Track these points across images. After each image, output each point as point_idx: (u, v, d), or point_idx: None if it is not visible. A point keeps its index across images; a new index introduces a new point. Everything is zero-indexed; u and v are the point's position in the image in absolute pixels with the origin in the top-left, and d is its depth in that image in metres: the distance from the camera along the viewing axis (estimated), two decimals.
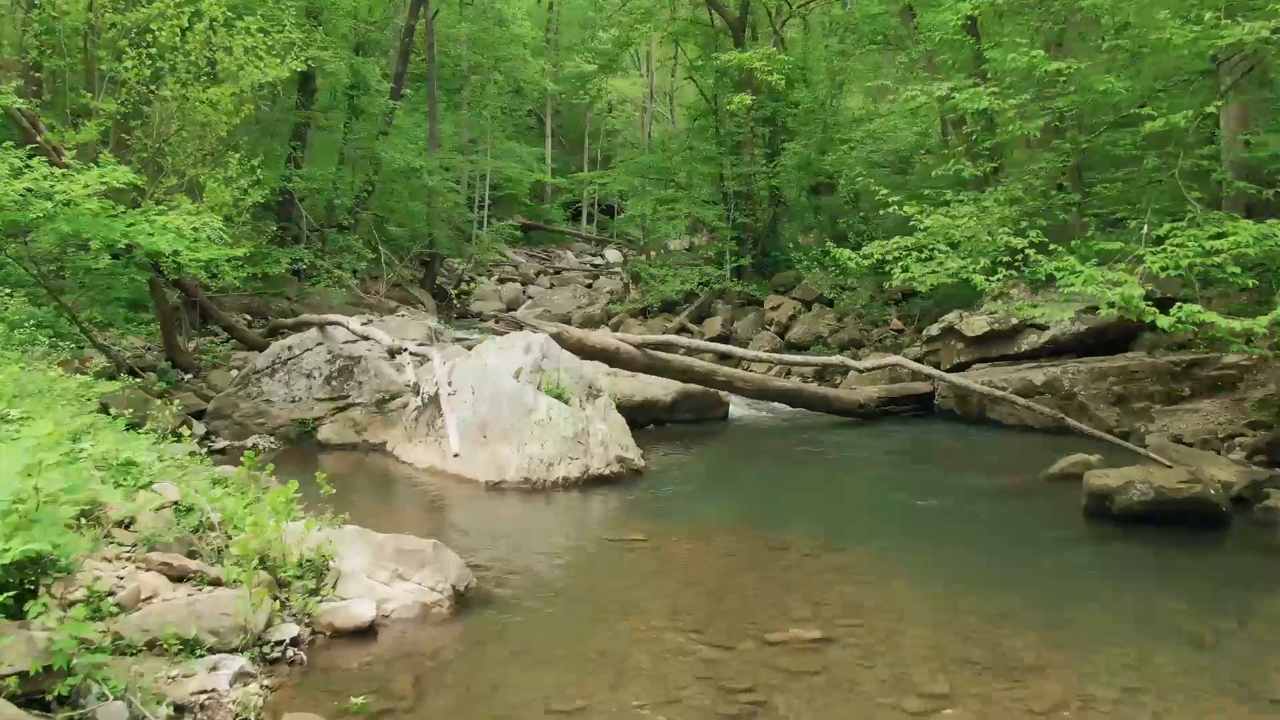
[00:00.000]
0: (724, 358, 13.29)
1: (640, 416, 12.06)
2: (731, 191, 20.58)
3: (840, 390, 13.43)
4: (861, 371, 13.26)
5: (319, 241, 21.66)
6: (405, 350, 10.45)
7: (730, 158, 21.17)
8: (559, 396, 9.87)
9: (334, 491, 6.40)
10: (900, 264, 9.36)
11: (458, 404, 10.02)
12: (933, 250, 8.99)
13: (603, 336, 12.05)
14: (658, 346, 12.26)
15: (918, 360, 14.70)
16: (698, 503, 9.09)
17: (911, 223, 9.57)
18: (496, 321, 11.68)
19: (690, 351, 12.73)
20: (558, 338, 11.17)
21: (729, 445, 12.36)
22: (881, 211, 19.29)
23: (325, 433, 11.18)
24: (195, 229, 9.87)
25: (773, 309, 20.27)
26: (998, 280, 8.58)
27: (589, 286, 34.21)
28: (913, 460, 11.29)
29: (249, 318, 17.31)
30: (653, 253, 27.75)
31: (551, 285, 35.23)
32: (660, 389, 12.81)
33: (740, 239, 21.01)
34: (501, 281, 34.51)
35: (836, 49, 18.65)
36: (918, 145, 21.48)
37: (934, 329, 14.39)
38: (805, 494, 9.74)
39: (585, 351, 11.58)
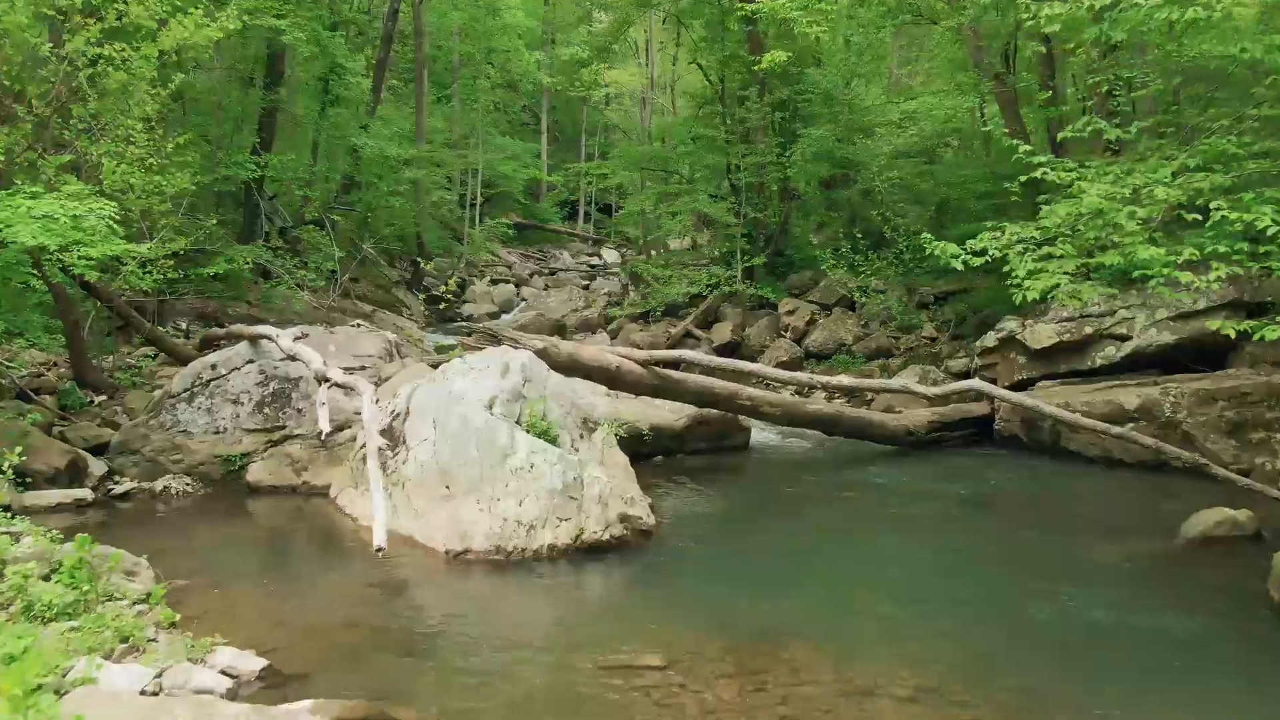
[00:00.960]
0: (743, 376, 10.77)
1: (646, 447, 9.66)
2: (742, 184, 18.13)
3: (884, 414, 10.97)
4: (930, 400, 10.70)
5: (285, 239, 19.26)
6: (330, 381, 8.00)
7: (739, 146, 18.73)
8: (545, 434, 7.45)
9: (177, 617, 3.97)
10: (1035, 257, 6.66)
11: (415, 440, 7.61)
12: (1071, 237, 6.44)
13: (600, 353, 9.60)
14: (668, 364, 9.83)
15: (974, 373, 12.31)
16: (729, 587, 6.57)
17: (1042, 207, 6.91)
18: (469, 335, 8.97)
19: (709, 370, 10.26)
20: (544, 354, 8.73)
21: (757, 487, 9.93)
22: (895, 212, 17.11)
23: (257, 472, 8.74)
24: (75, 217, 7.42)
25: (788, 313, 17.85)
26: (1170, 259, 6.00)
27: (585, 288, 31.79)
28: (994, 513, 8.83)
29: (184, 328, 14.81)
30: (653, 252, 25.32)
31: (546, 287, 32.79)
32: (670, 412, 10.40)
33: (751, 236, 18.56)
34: (494, 283, 32.06)
35: (861, 23, 16.21)
36: (944, 133, 19.08)
37: (990, 339, 11.95)
38: (872, 572, 7.12)
39: (579, 370, 9.18)
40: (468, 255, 32.72)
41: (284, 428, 8.88)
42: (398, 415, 7.94)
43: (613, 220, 39.02)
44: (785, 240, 19.79)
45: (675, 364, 9.82)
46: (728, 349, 17.62)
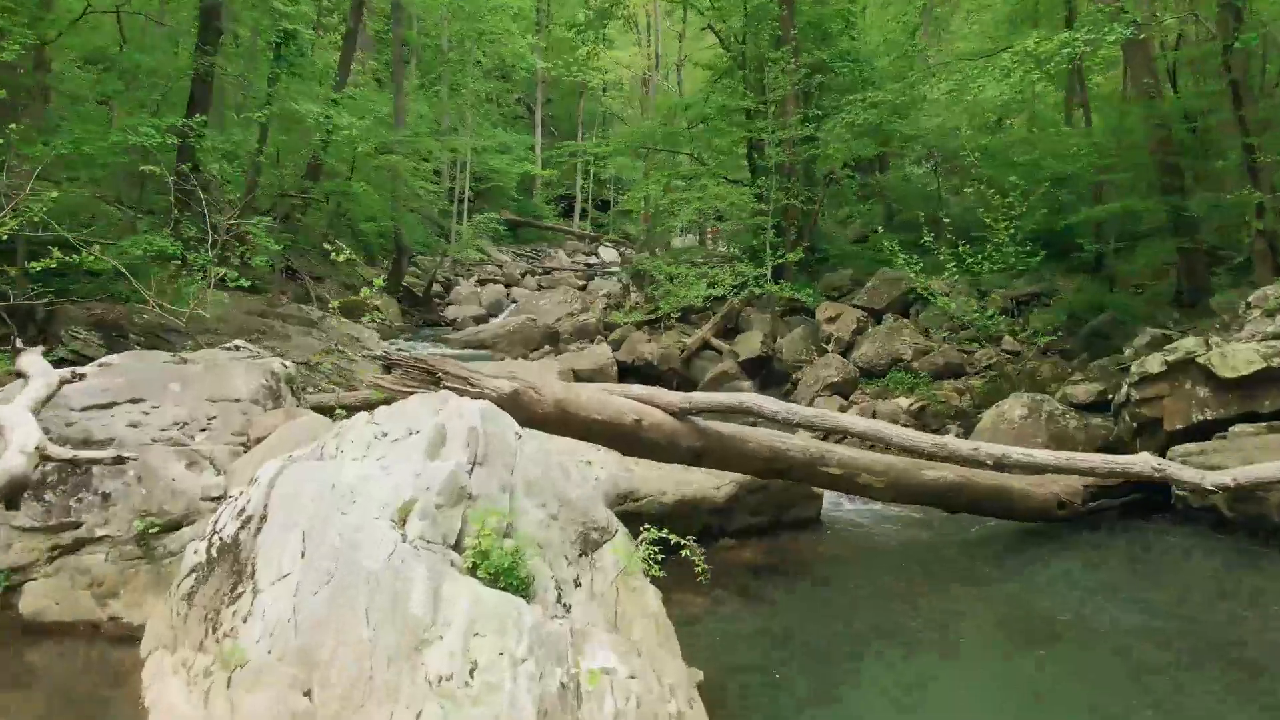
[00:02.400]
0: (836, 432, 6.84)
1: (677, 524, 5.96)
2: (772, 164, 14.41)
3: (1026, 479, 7.15)
4: (1228, 488, 6.46)
5: (227, 231, 15.48)
6: None
7: (765, 122, 15.02)
8: (508, 576, 3.72)
9: None
10: None
11: (270, 574, 3.89)
12: None
13: (607, 399, 5.64)
14: (714, 411, 6.03)
15: (1119, 410, 8.62)
16: None
17: None
18: (388, 371, 5.04)
19: (780, 422, 6.24)
20: (514, 404, 5.00)
21: (849, 603, 6.12)
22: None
23: (34, 599, 5.03)
24: None
25: (829, 320, 14.15)
26: None
27: (582, 289, 28.06)
28: (1251, 672, 5.11)
29: (80, 338, 11.09)
30: (657, 250, 21.61)
31: (540, 287, 29.03)
32: (707, 476, 6.71)
33: (780, 228, 14.86)
34: (482, 283, 28.34)
35: None
36: (1008, 107, 15.38)
37: (1153, 362, 8.20)
38: None
39: (575, 427, 5.45)
40: (453, 254, 29.03)
41: (79, 524, 5.12)
42: (247, 518, 4.24)
43: (614, 210, 35.18)
44: (816, 233, 16.10)
45: (726, 410, 6.04)
46: (756, 365, 13.92)
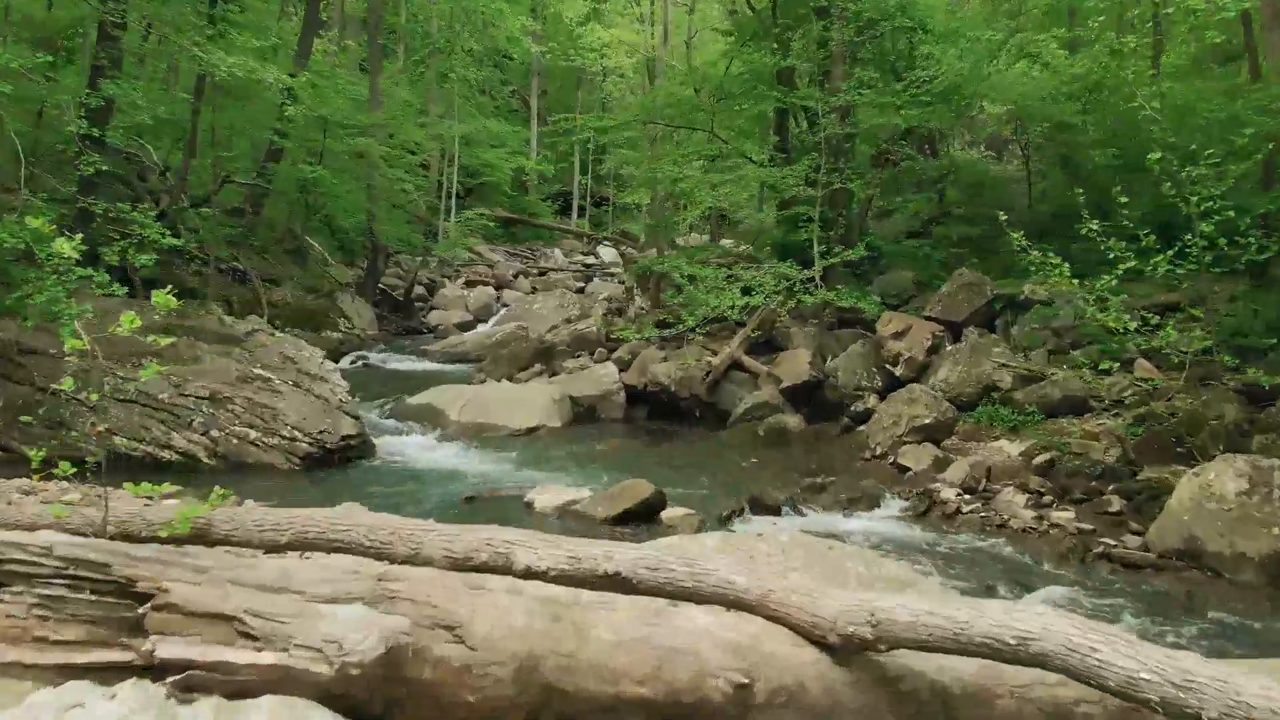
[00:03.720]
0: None
1: None
2: (822, 138, 11.04)
3: None
4: None
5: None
6: None
7: (807, 89, 11.65)
8: None
9: None
10: None
11: None
12: None
13: (657, 637, 2.02)
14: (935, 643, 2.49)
15: None
16: None
17: None
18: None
19: None
20: (385, 680, 1.68)
21: None
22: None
23: None
24: None
25: (894, 336, 10.79)
26: None
27: (581, 291, 24.69)
28: None
29: None
30: (665, 248, 18.26)
31: (534, 289, 25.63)
32: None
33: (826, 220, 11.51)
34: (470, 285, 24.94)
35: None
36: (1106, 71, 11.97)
37: None
38: None
39: None
40: (440, 253, 25.64)
41: None
42: None
43: (615, 200, 31.83)
44: (863, 226, 12.75)
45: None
46: (803, 392, 10.55)
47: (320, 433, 8.43)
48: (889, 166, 12.20)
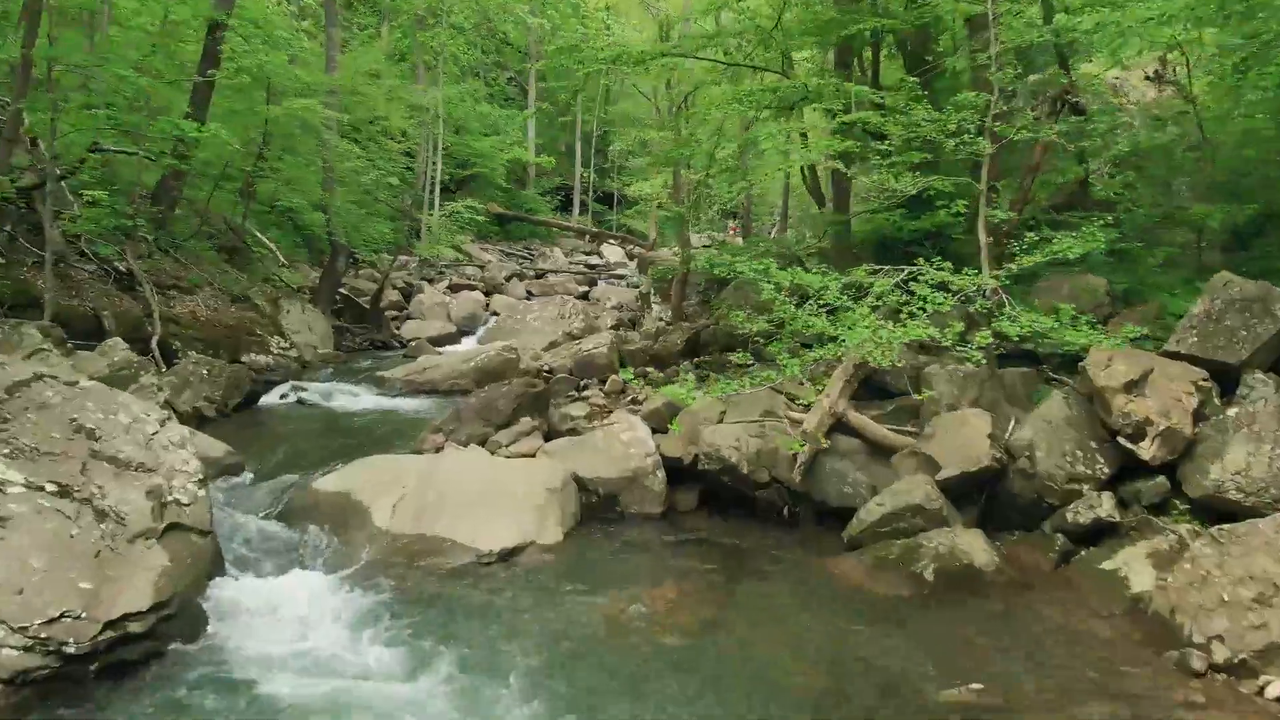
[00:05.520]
0: None
1: None
2: (993, 56, 6.49)
3: None
4: None
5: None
6: None
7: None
8: None
9: None
10: None
11: None
12: None
13: None
14: None
15: None
16: None
17: None
18: None
19: None
20: None
21: None
22: None
23: None
24: None
25: (1126, 387, 6.21)
26: None
27: (584, 297, 20.17)
28: None
29: None
30: (674, 250, 13.70)
31: (529, 294, 21.11)
32: None
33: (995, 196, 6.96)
34: (454, 289, 20.37)
35: None
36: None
37: None
38: None
39: None
40: (421, 253, 21.12)
41: None
42: None
43: (630, 183, 27.36)
44: (1026, 201, 8.14)
45: None
46: (974, 484, 6.02)
47: (56, 619, 3.88)
48: (1068, 115, 7.63)
